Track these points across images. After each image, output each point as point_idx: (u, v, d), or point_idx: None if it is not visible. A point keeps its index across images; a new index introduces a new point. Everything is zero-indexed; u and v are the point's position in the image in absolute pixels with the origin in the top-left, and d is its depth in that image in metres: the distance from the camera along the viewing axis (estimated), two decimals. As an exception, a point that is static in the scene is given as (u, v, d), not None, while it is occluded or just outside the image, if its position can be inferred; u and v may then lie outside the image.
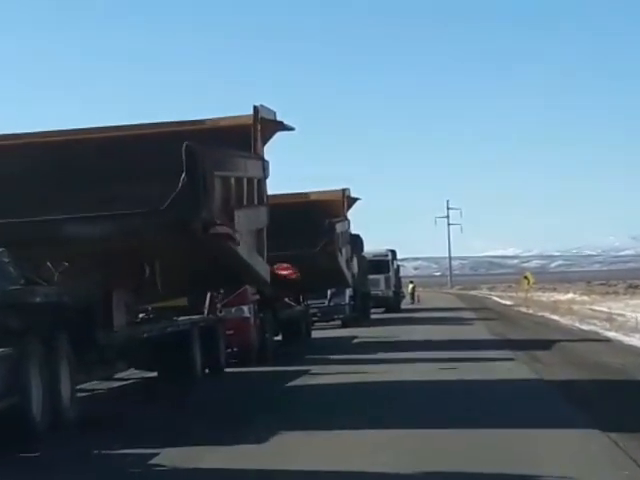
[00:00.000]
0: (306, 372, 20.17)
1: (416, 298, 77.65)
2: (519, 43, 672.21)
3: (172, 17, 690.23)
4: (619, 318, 34.67)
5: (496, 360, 21.35)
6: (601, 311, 40.92)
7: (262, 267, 17.60)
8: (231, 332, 21.82)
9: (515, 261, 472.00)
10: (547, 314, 44.42)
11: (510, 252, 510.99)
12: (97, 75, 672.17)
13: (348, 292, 41.08)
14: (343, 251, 29.62)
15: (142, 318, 16.58)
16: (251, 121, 16.85)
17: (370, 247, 54.83)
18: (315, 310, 39.33)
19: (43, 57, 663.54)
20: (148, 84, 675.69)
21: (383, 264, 56.53)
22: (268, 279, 18.76)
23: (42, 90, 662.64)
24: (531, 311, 49.48)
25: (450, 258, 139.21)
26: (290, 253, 26.06)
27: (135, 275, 14.94)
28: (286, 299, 31.14)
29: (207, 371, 19.93)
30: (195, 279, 16.40)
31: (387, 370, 19.71)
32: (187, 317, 18.39)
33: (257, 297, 23.30)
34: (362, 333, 34.88)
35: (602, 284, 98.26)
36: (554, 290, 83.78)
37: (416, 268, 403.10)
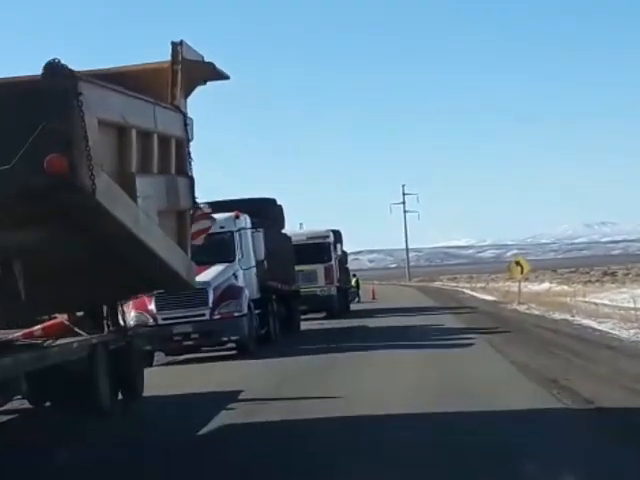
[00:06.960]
0: None
1: (363, 293, 60.06)
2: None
3: None
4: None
5: None
6: (621, 307, 31.26)
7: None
8: None
9: (470, 251, 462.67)
10: (566, 316, 31.69)
11: (464, 242, 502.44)
12: None
13: (246, 293, 23.07)
14: (140, 185, 10.12)
15: None
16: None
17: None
18: (188, 329, 21.90)
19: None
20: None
21: (322, 249, 39.68)
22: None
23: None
24: (536, 312, 35.59)
25: (407, 248, 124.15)
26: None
27: None
28: (63, 318, 14.04)
29: None
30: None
31: None
32: None
33: None
34: (262, 377, 17.64)
35: (572, 272, 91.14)
36: (526, 280, 71.13)
37: (371, 261, 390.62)
